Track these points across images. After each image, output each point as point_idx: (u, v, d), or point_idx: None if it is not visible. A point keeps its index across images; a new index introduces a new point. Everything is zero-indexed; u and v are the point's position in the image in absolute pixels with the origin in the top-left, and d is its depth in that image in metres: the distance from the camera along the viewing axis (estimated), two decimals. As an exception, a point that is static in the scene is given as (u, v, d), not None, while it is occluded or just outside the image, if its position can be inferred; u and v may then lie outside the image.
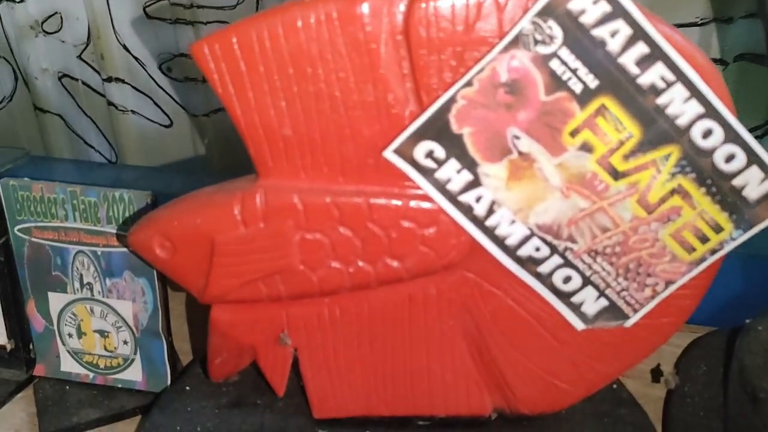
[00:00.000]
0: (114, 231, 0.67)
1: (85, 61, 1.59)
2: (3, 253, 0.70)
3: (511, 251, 0.53)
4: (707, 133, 0.49)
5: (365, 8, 0.48)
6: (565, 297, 0.55)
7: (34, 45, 1.62)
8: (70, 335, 0.72)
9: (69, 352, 0.73)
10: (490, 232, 0.53)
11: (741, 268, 0.72)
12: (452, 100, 0.49)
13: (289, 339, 0.58)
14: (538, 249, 0.53)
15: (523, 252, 0.53)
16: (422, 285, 0.56)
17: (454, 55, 0.48)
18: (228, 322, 0.58)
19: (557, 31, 0.47)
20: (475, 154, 0.51)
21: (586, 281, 0.54)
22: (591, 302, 0.55)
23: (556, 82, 0.48)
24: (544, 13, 0.46)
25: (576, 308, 0.55)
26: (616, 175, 0.50)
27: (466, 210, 0.52)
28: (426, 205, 0.52)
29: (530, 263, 0.54)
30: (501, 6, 0.47)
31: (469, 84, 0.49)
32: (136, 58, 1.54)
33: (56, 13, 1.58)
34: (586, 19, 0.47)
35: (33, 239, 0.69)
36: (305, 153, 0.52)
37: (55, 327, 0.72)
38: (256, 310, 0.58)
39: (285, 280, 0.55)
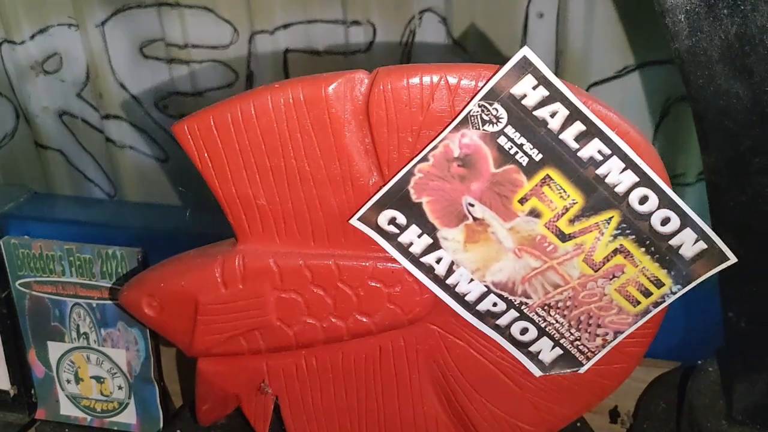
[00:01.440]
0: (108, 285, 0.73)
1: (84, 99, 1.66)
2: (5, 306, 0.76)
3: (470, 306, 0.59)
4: (643, 200, 0.54)
5: (330, 91, 0.54)
6: (522, 347, 0.60)
7: (35, 84, 1.69)
8: (68, 381, 0.78)
9: (68, 396, 0.79)
10: (450, 290, 0.58)
11: (706, 302, 0.77)
12: (410, 173, 0.55)
13: (269, 388, 0.64)
14: (495, 304, 0.59)
15: (482, 307, 0.59)
16: (391, 337, 0.61)
17: (411, 133, 0.54)
18: (213, 373, 0.64)
19: (502, 112, 0.53)
20: (434, 220, 0.56)
21: (542, 332, 0.59)
22: (547, 351, 0.60)
23: (504, 156, 0.54)
24: (490, 96, 0.52)
25: (533, 357, 0.61)
26: (564, 237, 0.56)
27: (428, 270, 0.58)
28: (391, 266, 0.58)
29: (489, 317, 0.59)
30: (452, 90, 0.53)
31: (425, 159, 0.54)
32: (133, 96, 1.61)
33: (56, 53, 1.66)
34: (528, 102, 0.52)
35: (33, 293, 0.75)
36: (279, 220, 0.58)
37: (55, 373, 0.78)
38: (239, 362, 0.63)
39: (264, 335, 0.61)
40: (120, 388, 0.77)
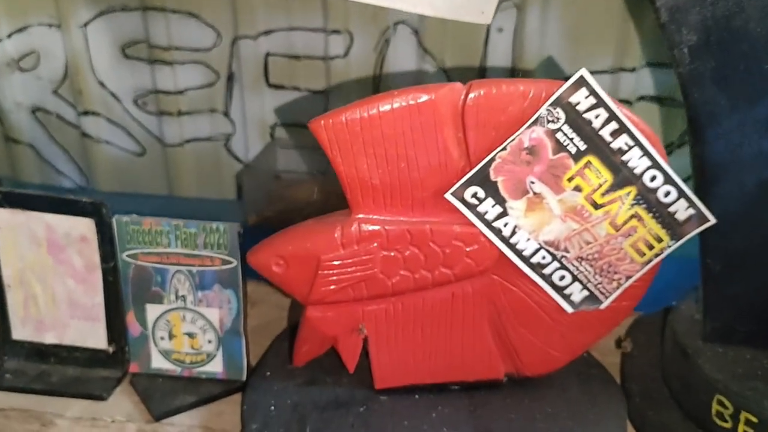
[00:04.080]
0: (209, 254, 0.89)
1: (60, 96, 1.74)
2: (111, 274, 0.90)
3: (526, 259, 0.80)
4: (653, 178, 0.77)
5: (437, 97, 0.73)
6: (559, 290, 0.82)
7: (10, 81, 1.75)
8: (162, 338, 0.93)
9: (160, 351, 0.94)
10: (512, 247, 0.79)
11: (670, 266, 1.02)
12: (492, 159, 0.75)
13: (365, 329, 0.82)
14: (544, 257, 0.80)
15: (534, 260, 0.80)
16: (462, 285, 0.81)
17: (494, 129, 0.75)
18: (320, 318, 0.82)
19: (562, 115, 0.74)
20: (505, 194, 0.77)
21: (574, 278, 0.81)
22: (577, 293, 0.82)
23: (559, 147, 0.75)
24: (555, 103, 0.73)
25: (567, 297, 0.82)
26: (596, 206, 0.78)
27: (497, 232, 0.78)
28: (470, 229, 0.78)
29: (538, 267, 0.80)
30: (525, 97, 0.74)
31: (504, 149, 0.75)
32: (112, 94, 1.71)
33: (34, 51, 1.73)
34: (580, 107, 0.74)
35: (138, 262, 0.90)
36: (387, 196, 0.77)
37: (150, 332, 0.93)
38: (342, 308, 0.81)
39: (368, 285, 0.79)
40: (209, 342, 0.92)
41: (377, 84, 1.59)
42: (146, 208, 1.66)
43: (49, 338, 0.93)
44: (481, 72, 1.55)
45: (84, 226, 0.87)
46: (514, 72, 1.53)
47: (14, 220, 0.88)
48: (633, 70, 1.37)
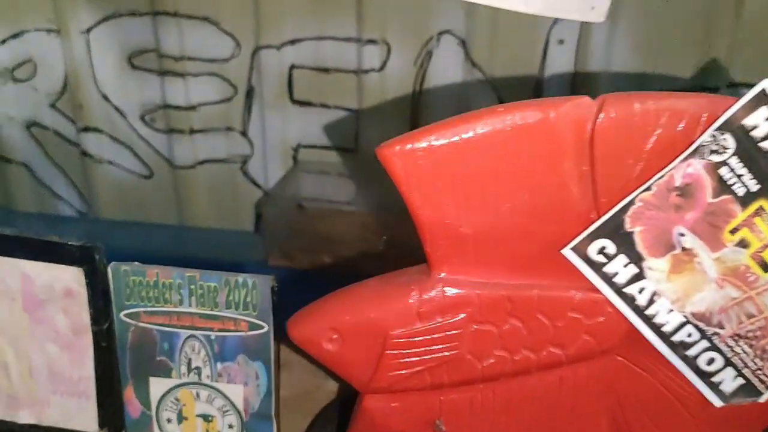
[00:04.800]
0: (232, 315, 0.67)
1: (58, 110, 1.54)
2: (105, 339, 0.68)
3: (666, 337, 0.58)
4: None
5: (556, 116, 0.52)
6: (706, 377, 0.60)
7: (3, 93, 1.56)
8: (169, 420, 0.71)
9: (166, 437, 0.72)
10: (649, 321, 0.57)
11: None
12: (631, 203, 0.53)
13: (443, 425, 0.60)
14: (689, 335, 0.58)
15: (677, 338, 0.58)
16: (574, 368, 0.59)
17: (634, 161, 0.53)
18: (382, 411, 0.60)
19: (731, 143, 0.52)
20: (642, 249, 0.55)
21: (728, 362, 0.59)
22: (729, 381, 0.60)
23: (723, 186, 0.53)
24: (723, 127, 0.51)
25: (715, 387, 0.60)
26: (766, 267, 0.56)
27: (630, 300, 0.56)
28: (593, 296, 0.56)
29: (681, 347, 0.58)
30: (680, 118, 0.52)
31: (648, 189, 0.53)
32: (116, 108, 1.51)
33: (30, 60, 1.53)
34: (757, 133, 0.52)
35: (140, 324, 0.68)
36: (481, 249, 0.55)
37: (154, 412, 0.71)
38: (413, 398, 0.59)
39: (450, 369, 0.57)
40: (230, 427, 0.70)
41: (416, 102, 1.40)
42: (153, 239, 1.44)
43: (24, 418, 0.71)
44: (537, 89, 1.35)
45: (70, 277, 0.65)
46: (574, 90, 1.33)
47: (-20, 267, 0.66)
48: (716, 89, 1.17)
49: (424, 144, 0.52)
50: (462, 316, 0.56)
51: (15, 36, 1.53)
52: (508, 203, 0.54)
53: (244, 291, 0.66)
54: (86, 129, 1.54)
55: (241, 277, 0.66)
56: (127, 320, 0.68)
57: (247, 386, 0.69)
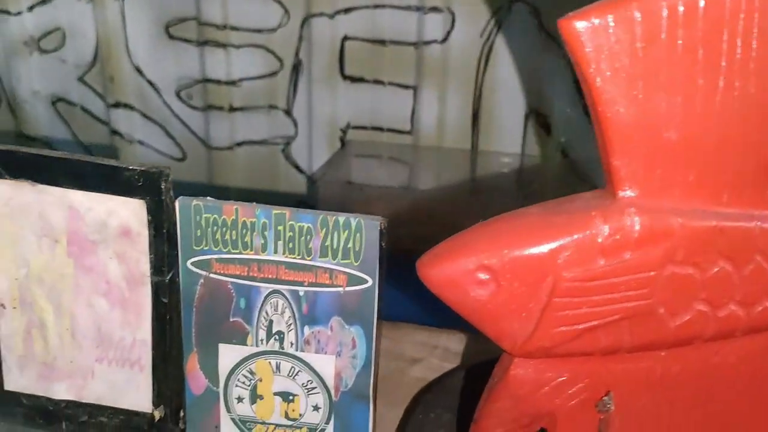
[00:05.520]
0: (328, 266, 0.52)
1: (87, 84, 1.42)
2: (166, 293, 0.54)
3: None
4: None
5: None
6: None
7: (27, 64, 1.44)
8: (239, 399, 0.56)
9: (234, 421, 0.57)
10: None
11: None
12: None
13: (611, 403, 0.45)
14: None
15: None
16: (785, 332, 0.45)
17: None
18: (532, 382, 0.45)
19: None
20: None
21: None
22: None
23: None
24: None
25: None
26: None
27: None
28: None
29: None
30: None
31: None
32: (150, 82, 1.39)
33: (58, 29, 1.41)
34: None
35: (211, 275, 0.53)
36: (690, 163, 0.41)
37: (221, 389, 0.56)
38: (574, 366, 0.45)
39: (635, 327, 0.43)
40: (316, 409, 0.56)
41: (481, 78, 1.27)
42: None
43: (61, 392, 0.57)
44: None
45: (129, 212, 0.51)
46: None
47: (16, 199, 0.52)
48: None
49: (631, 11, 0.38)
50: (657, 253, 0.41)
51: (44, 2, 1.42)
52: (738, 98, 0.39)
53: (345, 234, 0.52)
54: (116, 105, 1.42)
55: (342, 217, 0.52)
56: (196, 270, 0.54)
57: (340, 357, 0.55)
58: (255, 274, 0.54)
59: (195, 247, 0.54)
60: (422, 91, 1.30)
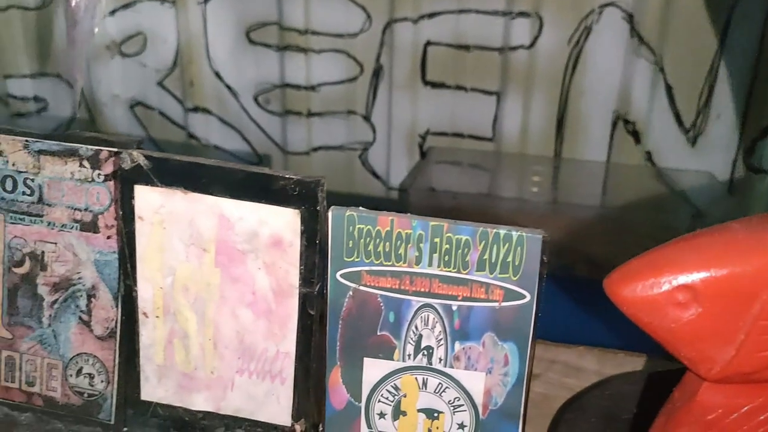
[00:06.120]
0: (485, 280, 0.50)
1: (165, 89, 1.42)
2: (314, 304, 0.52)
3: None
4: None
5: None
6: None
7: (109, 68, 1.44)
8: (381, 415, 0.54)
9: (375, 437, 0.55)
10: None
11: None
12: None
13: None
14: None
15: None
16: None
17: None
18: (723, 408, 0.42)
19: None
20: None
21: None
22: None
23: None
24: None
25: None
26: None
27: None
28: None
29: None
30: None
31: None
32: (228, 87, 1.38)
33: (140, 33, 1.41)
34: None
35: (361, 287, 0.52)
36: None
37: (363, 403, 0.54)
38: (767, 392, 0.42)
39: (842, 352, 0.40)
40: (461, 426, 0.53)
41: (567, 84, 1.24)
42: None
43: (199, 403, 0.55)
44: (712, 75, 1.18)
45: (282, 222, 0.50)
46: (755, 82, 1.17)
47: (168, 207, 0.51)
48: None
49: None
50: None
51: (126, 6, 1.42)
52: None
53: (506, 248, 0.50)
54: (195, 109, 1.41)
55: (503, 230, 0.49)
56: (345, 282, 0.52)
57: (491, 374, 0.53)
58: (406, 287, 0.52)
59: (346, 259, 0.52)
60: (506, 97, 1.28)
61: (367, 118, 1.39)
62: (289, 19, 1.33)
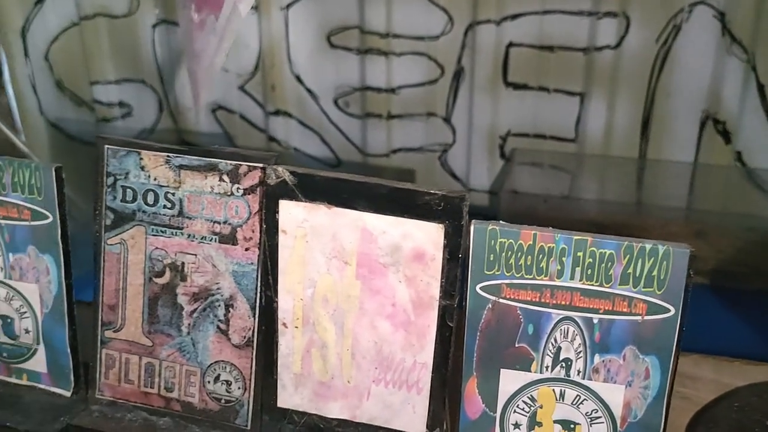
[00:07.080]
0: (628, 293, 0.50)
1: (247, 93, 1.44)
2: (454, 317, 0.53)
3: None
4: None
5: None
6: None
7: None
8: (516, 425, 0.55)
9: (511, 446, 0.55)
10: None
11: None
12: None
13: None
14: None
15: None
16: None
17: None
18: None
19: None
20: None
21: None
22: None
23: None
24: None
25: None
26: None
27: None
28: None
29: None
30: None
31: None
32: (309, 90, 1.40)
33: (223, 38, 1.42)
34: None
35: (500, 300, 0.52)
36: None
37: (498, 414, 0.55)
38: None
39: None
40: (599, 437, 0.53)
41: (654, 84, 1.22)
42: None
43: (334, 411, 0.56)
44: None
45: (425, 236, 0.50)
46: None
47: (311, 221, 0.52)
48: None
49: None
50: None
51: (209, 12, 1.43)
52: None
53: (651, 262, 0.49)
54: (276, 113, 1.44)
55: (649, 244, 0.49)
56: (485, 294, 0.52)
57: (631, 387, 0.52)
58: (547, 300, 0.52)
59: (486, 272, 0.52)
60: (590, 98, 1.27)
61: (447, 119, 1.39)
62: (370, 22, 1.34)
